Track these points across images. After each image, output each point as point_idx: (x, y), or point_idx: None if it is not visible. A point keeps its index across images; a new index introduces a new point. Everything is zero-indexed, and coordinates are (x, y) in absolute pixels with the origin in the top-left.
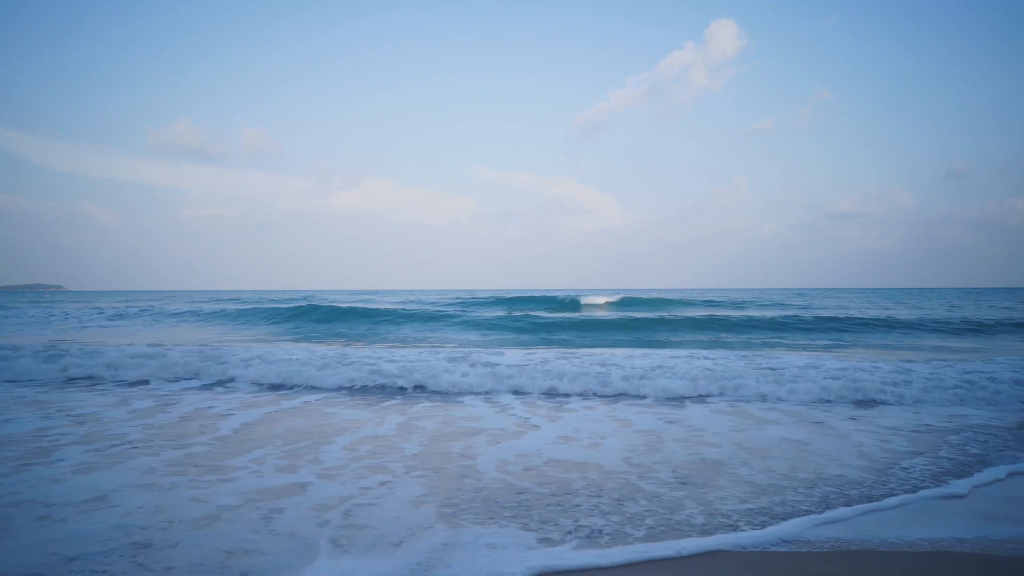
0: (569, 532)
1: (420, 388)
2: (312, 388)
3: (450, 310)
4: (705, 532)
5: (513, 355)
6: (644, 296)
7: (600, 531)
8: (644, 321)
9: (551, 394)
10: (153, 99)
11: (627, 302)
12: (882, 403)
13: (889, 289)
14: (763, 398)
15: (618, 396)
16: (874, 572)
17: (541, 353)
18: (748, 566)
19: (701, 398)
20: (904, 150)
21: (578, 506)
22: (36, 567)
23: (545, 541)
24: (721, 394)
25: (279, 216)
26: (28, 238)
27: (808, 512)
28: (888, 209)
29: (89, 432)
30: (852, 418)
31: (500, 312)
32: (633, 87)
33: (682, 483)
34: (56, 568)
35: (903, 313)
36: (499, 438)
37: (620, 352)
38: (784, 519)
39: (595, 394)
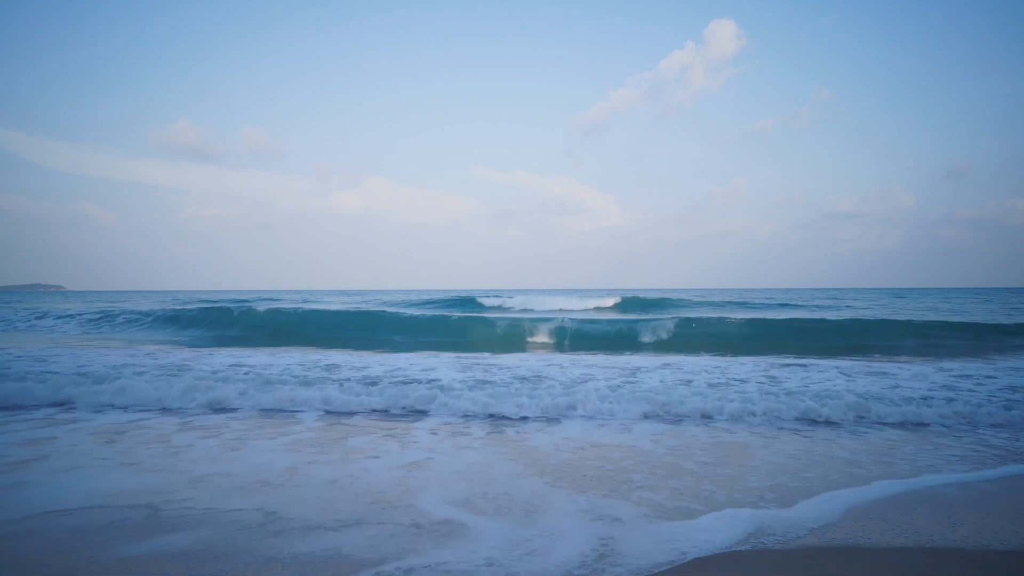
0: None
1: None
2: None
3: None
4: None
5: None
6: (650, 296)
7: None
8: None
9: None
10: (153, 99)
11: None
12: None
13: (889, 289)
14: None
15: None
16: (875, 571)
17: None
18: (745, 564)
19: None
20: (904, 150)
21: (637, 482)
22: (323, 519)
23: (649, 515)
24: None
25: (279, 216)
26: (28, 238)
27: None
28: (888, 209)
29: (183, 423)
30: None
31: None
32: (633, 87)
33: (715, 464)
34: (357, 519)
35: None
36: (542, 425)
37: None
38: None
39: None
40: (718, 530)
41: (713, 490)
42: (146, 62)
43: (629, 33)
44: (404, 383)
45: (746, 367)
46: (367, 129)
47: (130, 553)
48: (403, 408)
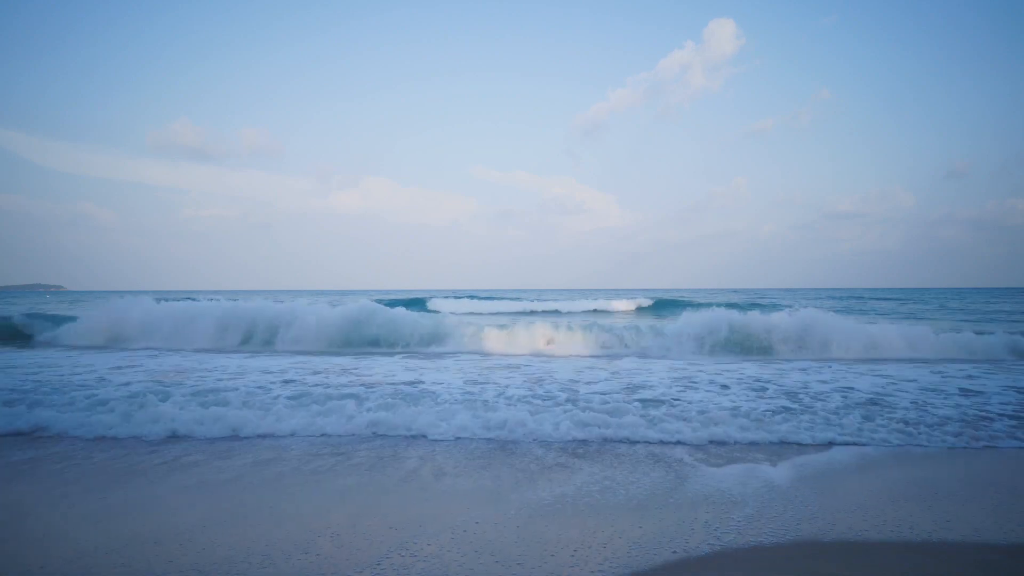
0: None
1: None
2: None
3: None
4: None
5: None
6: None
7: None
8: None
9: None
10: (153, 99)
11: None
12: None
13: (890, 289)
14: None
15: None
16: (877, 570)
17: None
18: (744, 563)
19: None
20: (904, 150)
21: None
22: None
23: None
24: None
25: (279, 216)
26: (28, 238)
27: None
28: (888, 209)
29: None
30: None
31: None
32: (633, 87)
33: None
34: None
35: None
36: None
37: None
38: None
39: None
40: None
41: None
42: (146, 62)
43: (629, 33)
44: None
45: None
46: (367, 129)
47: (348, 483)
48: None
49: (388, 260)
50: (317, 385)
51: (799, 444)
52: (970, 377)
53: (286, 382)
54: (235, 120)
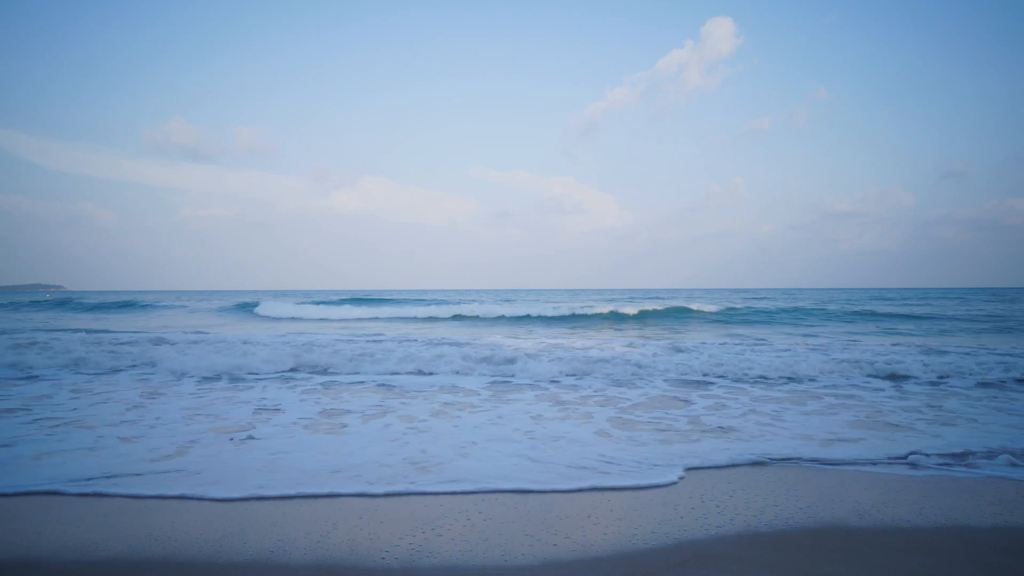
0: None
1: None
2: None
3: None
4: None
5: None
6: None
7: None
8: None
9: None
10: (152, 99)
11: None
12: None
13: (889, 289)
14: None
15: None
16: (877, 569)
17: None
18: (741, 563)
19: None
20: (902, 150)
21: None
22: None
23: None
24: None
25: (277, 216)
26: (28, 238)
27: None
28: (886, 209)
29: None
30: None
31: None
32: (630, 86)
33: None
34: None
35: None
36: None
37: None
38: None
39: None
40: None
41: None
42: (145, 62)
43: (627, 32)
44: None
45: None
46: (365, 129)
47: None
48: None
49: (387, 260)
50: None
51: None
52: None
53: None
54: (230, 120)
